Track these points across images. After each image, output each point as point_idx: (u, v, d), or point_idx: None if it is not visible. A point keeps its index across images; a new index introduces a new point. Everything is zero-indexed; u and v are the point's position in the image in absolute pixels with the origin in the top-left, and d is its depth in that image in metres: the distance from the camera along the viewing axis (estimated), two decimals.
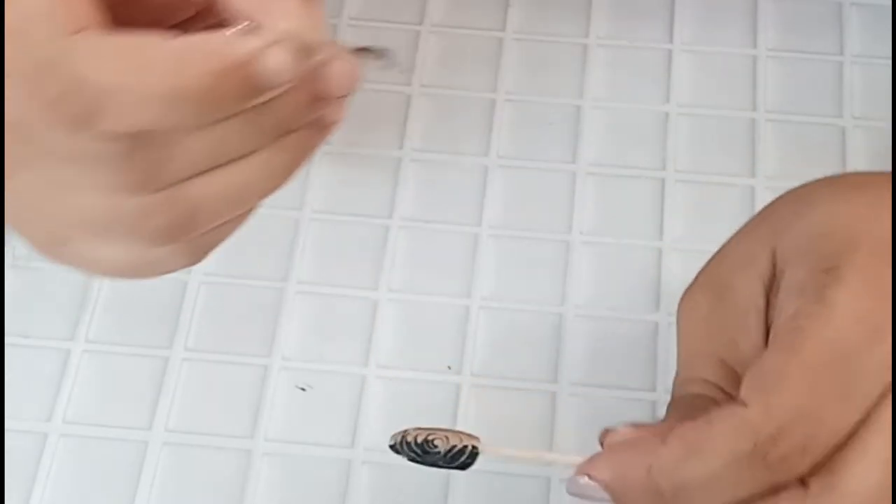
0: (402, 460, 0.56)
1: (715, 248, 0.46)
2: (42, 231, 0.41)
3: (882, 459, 0.38)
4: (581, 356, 0.59)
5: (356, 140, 0.65)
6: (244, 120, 0.38)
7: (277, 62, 0.36)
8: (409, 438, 0.42)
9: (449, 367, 0.59)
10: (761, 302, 0.42)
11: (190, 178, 0.38)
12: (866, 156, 0.65)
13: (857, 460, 0.38)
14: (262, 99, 0.37)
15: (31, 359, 0.59)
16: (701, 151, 0.66)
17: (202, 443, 0.57)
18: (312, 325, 0.60)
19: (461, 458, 0.42)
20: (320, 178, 0.64)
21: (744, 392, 0.39)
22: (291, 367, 0.59)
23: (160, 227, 0.39)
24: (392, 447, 0.42)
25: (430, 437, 0.42)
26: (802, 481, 0.38)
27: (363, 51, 0.39)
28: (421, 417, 0.52)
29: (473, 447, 0.42)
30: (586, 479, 0.40)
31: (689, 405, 0.42)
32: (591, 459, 0.41)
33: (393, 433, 0.42)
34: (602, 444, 0.42)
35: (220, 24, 0.38)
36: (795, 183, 0.46)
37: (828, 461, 0.38)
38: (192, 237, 0.40)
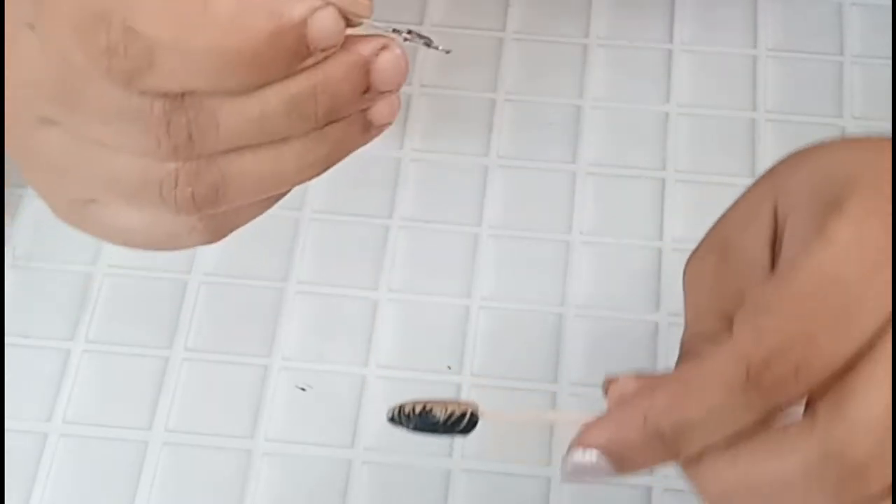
0: (402, 460, 0.56)
1: None
2: (65, 192, 0.40)
3: (888, 389, 0.37)
4: (581, 356, 0.59)
5: None
6: (289, 100, 0.37)
7: (327, 24, 0.36)
8: (407, 409, 0.41)
9: (449, 367, 0.59)
10: (766, 256, 0.42)
11: (226, 151, 0.38)
12: None
13: (863, 388, 0.37)
14: (307, 63, 0.37)
15: (31, 359, 0.59)
16: (701, 151, 0.66)
17: (202, 443, 0.57)
18: (312, 325, 0.60)
19: (461, 423, 0.41)
20: (320, 178, 0.64)
21: (736, 326, 0.38)
22: (291, 367, 0.59)
23: (188, 196, 0.38)
24: (391, 419, 0.42)
25: (427, 407, 0.41)
26: (811, 412, 0.38)
27: (410, 34, 0.39)
28: None
29: (473, 412, 0.41)
30: (581, 450, 0.39)
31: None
32: (583, 432, 0.40)
33: (390, 406, 0.42)
34: (605, 391, 0.41)
35: None
36: None
37: (831, 392, 0.37)
38: (216, 212, 0.39)
